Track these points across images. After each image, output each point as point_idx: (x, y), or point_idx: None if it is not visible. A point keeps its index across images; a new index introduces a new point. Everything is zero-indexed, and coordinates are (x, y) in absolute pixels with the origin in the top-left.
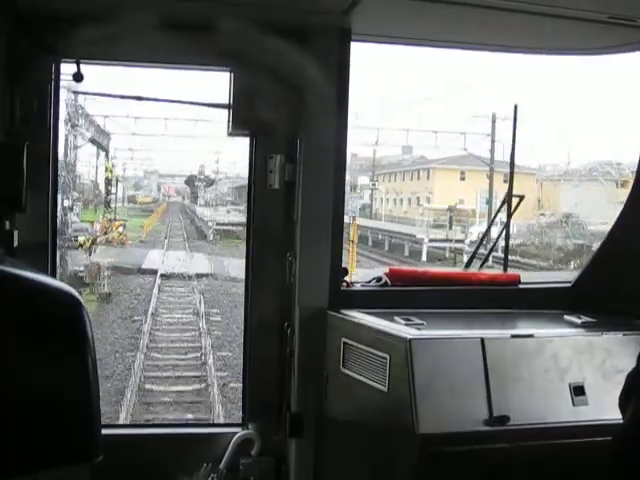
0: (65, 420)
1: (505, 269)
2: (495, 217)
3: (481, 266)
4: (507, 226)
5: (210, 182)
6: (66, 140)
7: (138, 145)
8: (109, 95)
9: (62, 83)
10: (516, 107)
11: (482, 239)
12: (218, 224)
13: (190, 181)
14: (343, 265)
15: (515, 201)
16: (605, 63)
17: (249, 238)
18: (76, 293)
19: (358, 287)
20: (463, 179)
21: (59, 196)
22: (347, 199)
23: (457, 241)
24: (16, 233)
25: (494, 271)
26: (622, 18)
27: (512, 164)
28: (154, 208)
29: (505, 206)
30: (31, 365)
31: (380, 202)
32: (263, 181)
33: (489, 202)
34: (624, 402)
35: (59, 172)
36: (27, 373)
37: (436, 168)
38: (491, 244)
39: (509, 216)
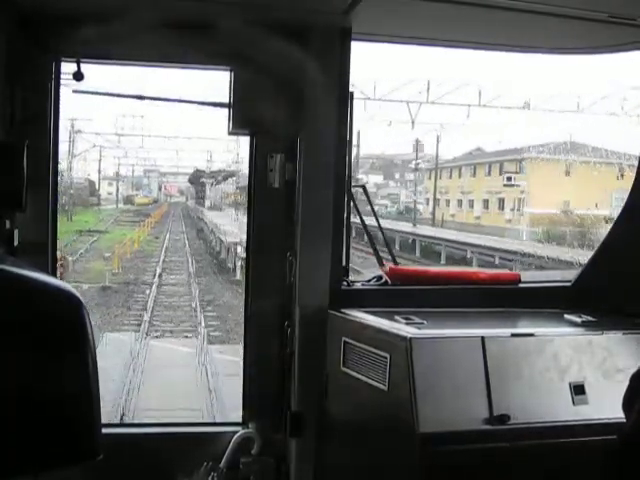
0: (65, 420)
1: None
2: None
3: None
4: None
5: (221, 177)
6: None
7: (125, 125)
8: (110, 94)
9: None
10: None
11: None
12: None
13: (195, 177)
14: None
15: None
16: None
17: (249, 237)
18: (77, 293)
19: (358, 286)
20: (568, 174)
21: None
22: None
23: None
24: (16, 232)
25: None
26: (622, 17)
27: None
28: (152, 210)
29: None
30: (31, 365)
31: (434, 204)
32: (263, 180)
33: None
34: (628, 404)
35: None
36: (27, 372)
37: (533, 159)
38: None
39: None
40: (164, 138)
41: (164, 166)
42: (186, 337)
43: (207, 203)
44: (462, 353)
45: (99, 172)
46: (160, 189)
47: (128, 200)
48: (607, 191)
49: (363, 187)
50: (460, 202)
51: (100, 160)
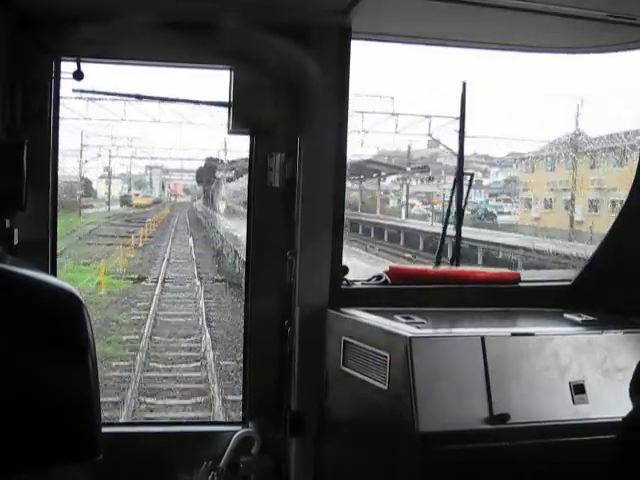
0: (65, 419)
1: (457, 264)
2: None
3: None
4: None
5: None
6: None
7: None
8: (109, 93)
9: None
10: (465, 84)
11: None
12: None
13: (207, 170)
14: None
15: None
16: None
17: (249, 236)
18: (77, 292)
19: (358, 285)
20: None
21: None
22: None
23: None
24: (16, 231)
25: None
26: (622, 16)
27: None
28: (151, 214)
29: None
30: (31, 364)
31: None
32: (263, 179)
33: None
34: (634, 392)
35: None
36: (27, 372)
37: None
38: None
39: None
40: (158, 103)
41: (167, 158)
42: None
43: (222, 206)
44: (462, 352)
45: (80, 166)
46: (163, 188)
47: (124, 201)
48: None
49: (471, 175)
50: (595, 203)
51: (81, 150)
